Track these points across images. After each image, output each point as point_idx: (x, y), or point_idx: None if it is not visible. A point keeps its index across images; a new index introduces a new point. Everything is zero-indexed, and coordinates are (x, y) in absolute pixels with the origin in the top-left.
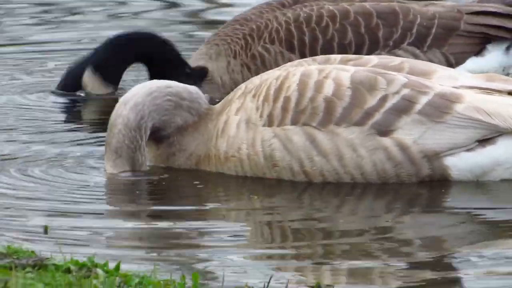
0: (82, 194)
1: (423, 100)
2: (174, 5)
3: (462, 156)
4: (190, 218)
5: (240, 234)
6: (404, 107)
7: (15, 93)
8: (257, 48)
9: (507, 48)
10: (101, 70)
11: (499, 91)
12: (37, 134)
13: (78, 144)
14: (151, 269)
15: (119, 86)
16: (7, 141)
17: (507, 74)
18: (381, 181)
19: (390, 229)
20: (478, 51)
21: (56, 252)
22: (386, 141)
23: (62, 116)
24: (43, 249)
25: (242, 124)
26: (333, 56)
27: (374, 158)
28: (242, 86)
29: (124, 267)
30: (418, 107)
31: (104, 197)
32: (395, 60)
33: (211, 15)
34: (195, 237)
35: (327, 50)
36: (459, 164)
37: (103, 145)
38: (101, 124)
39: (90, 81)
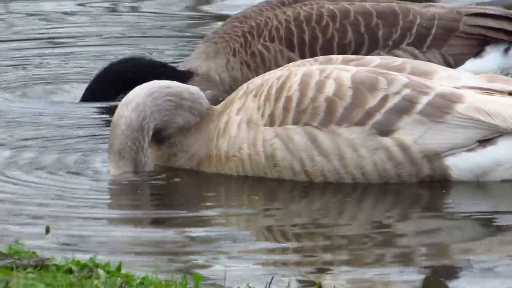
0: (85, 195)
1: (424, 100)
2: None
3: (463, 156)
4: (191, 220)
5: (241, 235)
6: (405, 107)
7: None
8: (257, 46)
9: (506, 50)
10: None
11: (500, 92)
12: (41, 137)
13: (81, 146)
14: (152, 269)
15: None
16: (8, 142)
17: (507, 75)
18: (381, 181)
19: (390, 230)
20: (477, 53)
21: (58, 253)
22: (387, 141)
23: (66, 120)
24: (45, 249)
25: (243, 124)
26: (335, 57)
27: (375, 158)
28: (244, 86)
29: (125, 267)
30: (419, 107)
31: (107, 198)
32: (396, 61)
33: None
34: (197, 238)
35: (327, 49)
36: (460, 164)
37: (107, 146)
38: (105, 126)
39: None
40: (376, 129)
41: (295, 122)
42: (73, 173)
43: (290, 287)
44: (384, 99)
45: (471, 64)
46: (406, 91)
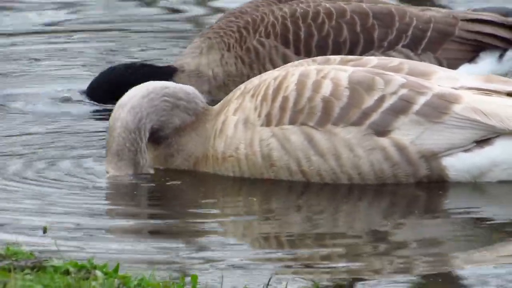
0: (82, 197)
1: (421, 100)
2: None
3: (460, 156)
4: (188, 221)
5: (238, 236)
6: (401, 108)
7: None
8: (252, 41)
9: (500, 57)
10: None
11: (498, 92)
12: (40, 136)
13: (79, 146)
14: (150, 271)
15: None
16: (3, 143)
17: (510, 74)
18: (378, 181)
19: (387, 231)
20: (471, 58)
21: (55, 254)
22: (384, 141)
23: (68, 119)
24: (42, 251)
25: (240, 124)
26: (332, 57)
27: (372, 158)
28: (242, 86)
29: (123, 269)
30: (415, 107)
31: (104, 199)
32: (394, 61)
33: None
34: (194, 239)
35: (322, 47)
36: (457, 164)
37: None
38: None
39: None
40: (373, 129)
41: (292, 122)
42: (70, 173)
43: None
44: (381, 99)
45: (465, 69)
46: (403, 91)
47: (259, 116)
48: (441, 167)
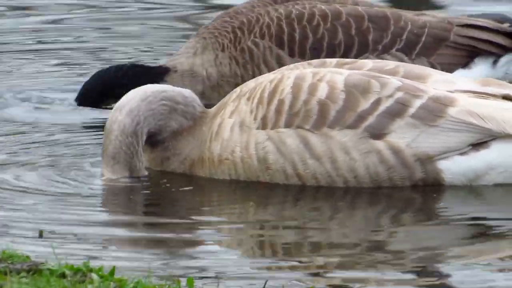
0: (78, 200)
1: (417, 103)
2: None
3: (456, 160)
4: (185, 224)
5: (235, 240)
6: (397, 111)
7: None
8: (247, 42)
9: (494, 62)
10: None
11: (493, 95)
12: (37, 140)
13: (74, 150)
14: (145, 274)
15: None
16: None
17: (504, 79)
18: (374, 184)
19: (383, 234)
20: (466, 64)
21: (51, 257)
22: (379, 144)
23: (64, 123)
24: (38, 253)
25: (236, 127)
26: (328, 60)
27: (367, 161)
28: (238, 89)
29: (118, 272)
30: (411, 110)
31: (100, 203)
32: (390, 64)
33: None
34: (190, 243)
35: (317, 49)
36: (453, 168)
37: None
38: (99, 129)
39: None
40: (369, 132)
41: (288, 125)
42: (66, 176)
43: None
44: (377, 102)
45: (459, 74)
46: (399, 94)
47: (255, 119)
48: (437, 170)
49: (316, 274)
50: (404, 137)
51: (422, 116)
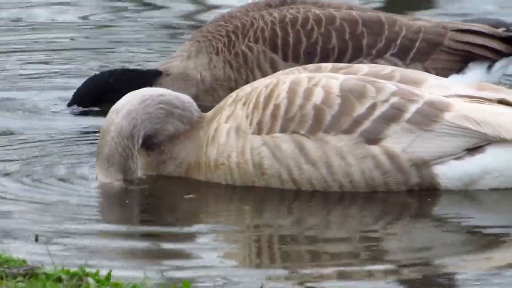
0: (74, 203)
1: (412, 108)
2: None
3: (451, 164)
4: (180, 229)
5: (230, 244)
6: (393, 115)
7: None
8: (241, 46)
9: (489, 68)
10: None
11: (489, 100)
12: (34, 144)
13: (70, 154)
14: (141, 278)
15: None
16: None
17: (499, 84)
18: (369, 189)
19: (379, 239)
20: (460, 69)
21: (47, 261)
22: (375, 149)
23: (61, 126)
24: (34, 258)
25: (232, 132)
26: (324, 65)
27: (363, 166)
28: (233, 94)
29: (115, 276)
30: (407, 115)
31: (96, 206)
32: (386, 69)
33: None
34: (186, 247)
35: (310, 53)
36: (448, 172)
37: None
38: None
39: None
40: (364, 137)
41: (283, 130)
42: (61, 180)
43: None
44: (372, 107)
45: (454, 79)
46: (394, 99)
47: (250, 124)
48: (433, 175)
49: (311, 279)
50: (400, 142)
51: (417, 121)
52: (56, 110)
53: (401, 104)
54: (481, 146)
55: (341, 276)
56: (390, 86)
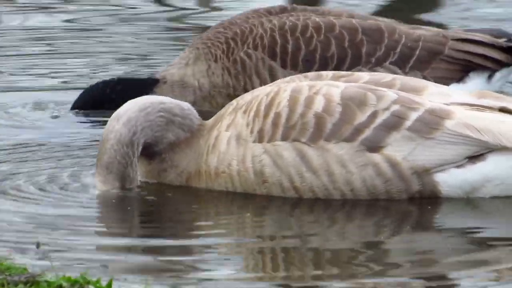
0: (75, 210)
1: (413, 116)
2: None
3: (452, 172)
4: (181, 237)
5: (231, 254)
6: (394, 123)
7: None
8: (239, 53)
9: (489, 77)
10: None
11: (490, 108)
12: (35, 150)
13: (72, 160)
14: (142, 286)
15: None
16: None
17: (501, 92)
18: (370, 197)
19: (380, 247)
20: (460, 78)
21: (48, 269)
22: (376, 157)
23: (61, 132)
24: (36, 265)
25: (233, 140)
26: (324, 73)
27: (364, 174)
28: (234, 102)
29: (116, 284)
30: (408, 123)
31: (96, 214)
32: (386, 77)
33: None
34: (187, 256)
35: (309, 60)
36: (449, 180)
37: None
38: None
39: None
40: (365, 145)
41: (284, 138)
42: (63, 188)
43: None
44: (373, 115)
45: (454, 89)
46: (395, 107)
47: (251, 132)
48: (434, 182)
49: (312, 285)
50: (401, 150)
51: (418, 128)
52: (57, 117)
53: (402, 112)
54: (482, 154)
55: (342, 283)
56: (390, 94)
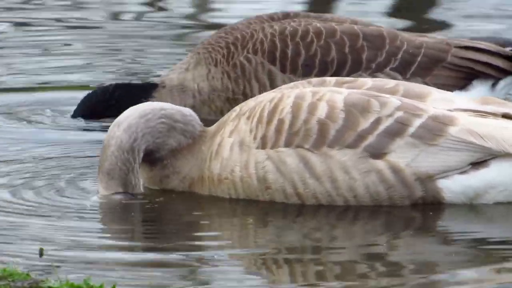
0: (77, 217)
1: (416, 122)
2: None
3: (455, 178)
4: (184, 244)
5: (234, 259)
6: (397, 130)
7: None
8: (239, 57)
9: (493, 86)
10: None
11: (493, 114)
12: (37, 156)
13: (72, 167)
14: None
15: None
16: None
17: (505, 98)
18: (374, 203)
19: (383, 253)
20: (463, 86)
21: (51, 275)
22: (379, 163)
23: (63, 139)
24: (39, 271)
25: (236, 146)
26: (328, 79)
27: (367, 181)
28: (237, 108)
29: None
30: (411, 130)
31: (99, 220)
32: (390, 83)
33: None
34: (189, 261)
35: (309, 65)
36: (452, 186)
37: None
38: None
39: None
40: (368, 152)
41: (287, 144)
42: (65, 194)
43: None
44: (377, 121)
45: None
46: (399, 114)
47: (254, 138)
48: (437, 189)
49: None
50: (404, 157)
51: (422, 135)
52: (59, 123)
53: (405, 119)
54: (485, 161)
55: None
56: (394, 101)
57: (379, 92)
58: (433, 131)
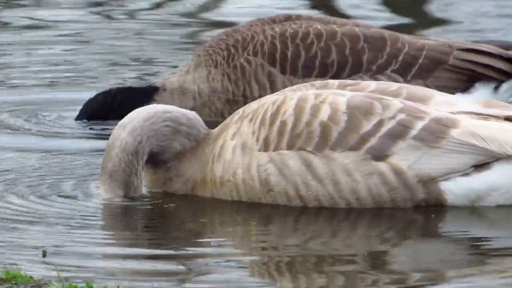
0: (80, 220)
1: (419, 125)
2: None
3: (458, 181)
4: (186, 246)
5: (235, 264)
6: (399, 132)
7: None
8: (240, 59)
9: (496, 88)
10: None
11: (496, 117)
12: (39, 158)
13: (76, 170)
14: None
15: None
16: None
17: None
18: (376, 206)
19: (385, 255)
20: (466, 88)
21: (54, 277)
22: (382, 166)
23: (65, 141)
24: (42, 274)
25: (238, 149)
26: (331, 81)
27: (369, 183)
28: (240, 110)
29: None
30: (413, 132)
31: (101, 223)
32: (392, 86)
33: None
34: (192, 265)
35: (309, 67)
36: (455, 189)
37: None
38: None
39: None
40: (371, 154)
41: (290, 146)
42: (68, 197)
43: None
44: (379, 124)
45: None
46: (401, 116)
47: (257, 140)
48: (439, 191)
49: None
50: (406, 159)
51: (424, 137)
52: (64, 126)
53: (408, 121)
54: (487, 163)
55: None
56: (396, 103)
57: (382, 94)
58: (436, 134)
